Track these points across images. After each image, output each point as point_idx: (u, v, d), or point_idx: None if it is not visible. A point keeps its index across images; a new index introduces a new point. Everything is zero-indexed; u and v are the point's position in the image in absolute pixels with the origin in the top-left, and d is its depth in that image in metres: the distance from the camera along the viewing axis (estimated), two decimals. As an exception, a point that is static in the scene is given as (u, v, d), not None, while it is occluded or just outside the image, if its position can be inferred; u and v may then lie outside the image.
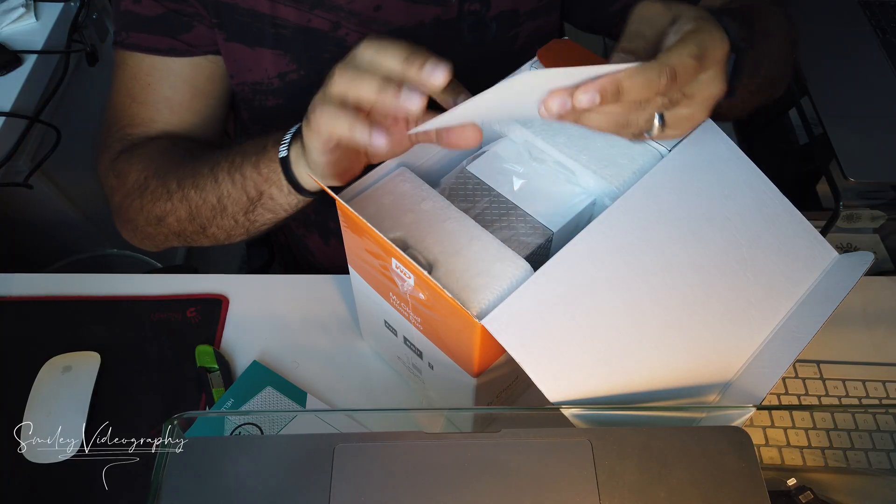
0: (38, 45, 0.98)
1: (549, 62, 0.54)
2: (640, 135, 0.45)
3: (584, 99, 0.38)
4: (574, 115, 0.42)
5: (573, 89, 0.39)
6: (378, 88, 0.40)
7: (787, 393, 0.61)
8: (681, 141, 0.53)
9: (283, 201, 0.55)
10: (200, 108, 0.69)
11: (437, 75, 0.39)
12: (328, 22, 0.63)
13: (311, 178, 0.51)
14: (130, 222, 0.67)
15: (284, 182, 0.53)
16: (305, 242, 0.85)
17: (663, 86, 0.39)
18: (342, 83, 0.42)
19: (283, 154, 0.52)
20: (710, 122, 0.52)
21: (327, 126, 0.43)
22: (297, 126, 0.51)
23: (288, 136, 0.52)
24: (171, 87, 0.67)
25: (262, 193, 0.55)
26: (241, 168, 0.56)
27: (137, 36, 0.65)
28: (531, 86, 0.39)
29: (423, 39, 0.65)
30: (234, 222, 0.60)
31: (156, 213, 0.63)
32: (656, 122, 0.44)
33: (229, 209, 0.58)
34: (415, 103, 0.40)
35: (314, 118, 0.44)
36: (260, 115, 0.72)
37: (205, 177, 0.59)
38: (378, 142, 0.40)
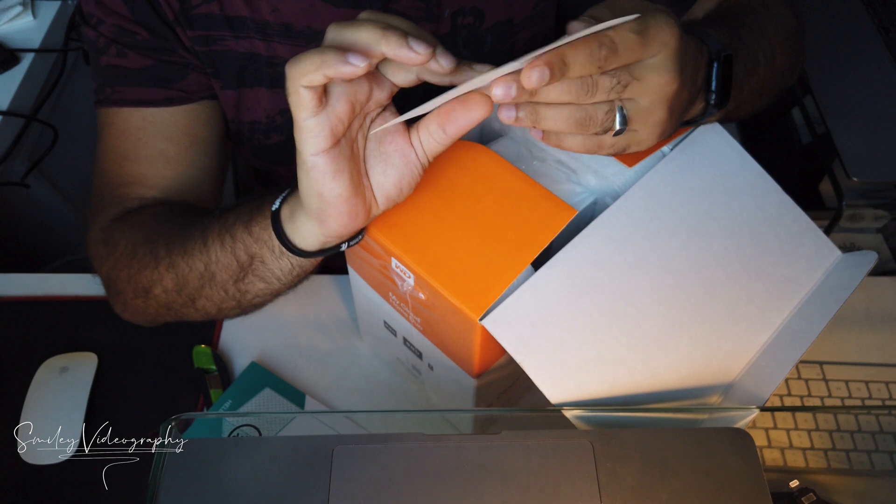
0: (36, 44, 0.98)
1: None
2: (605, 144, 0.43)
3: (533, 76, 0.36)
4: (531, 118, 0.40)
5: (518, 74, 0.37)
6: (381, 33, 0.36)
7: (789, 394, 0.61)
8: (682, 139, 0.52)
9: (275, 266, 0.50)
10: (197, 158, 0.64)
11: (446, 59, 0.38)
12: None
13: (307, 235, 0.46)
14: (119, 295, 0.60)
15: (275, 241, 0.47)
16: None
17: (603, 57, 0.37)
18: (334, 30, 0.38)
19: (275, 207, 0.47)
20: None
21: (300, 72, 0.37)
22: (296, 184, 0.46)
23: (285, 192, 0.47)
24: (166, 139, 0.62)
25: (252, 257, 0.50)
26: (232, 229, 0.51)
27: (126, 90, 0.60)
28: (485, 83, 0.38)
29: None
30: (223, 293, 0.54)
31: (142, 283, 0.57)
32: (617, 115, 0.41)
33: (218, 277, 0.53)
34: (423, 51, 0.36)
35: (289, 78, 0.39)
36: (261, 152, 0.69)
37: (194, 240, 0.53)
38: (356, 62, 0.36)
